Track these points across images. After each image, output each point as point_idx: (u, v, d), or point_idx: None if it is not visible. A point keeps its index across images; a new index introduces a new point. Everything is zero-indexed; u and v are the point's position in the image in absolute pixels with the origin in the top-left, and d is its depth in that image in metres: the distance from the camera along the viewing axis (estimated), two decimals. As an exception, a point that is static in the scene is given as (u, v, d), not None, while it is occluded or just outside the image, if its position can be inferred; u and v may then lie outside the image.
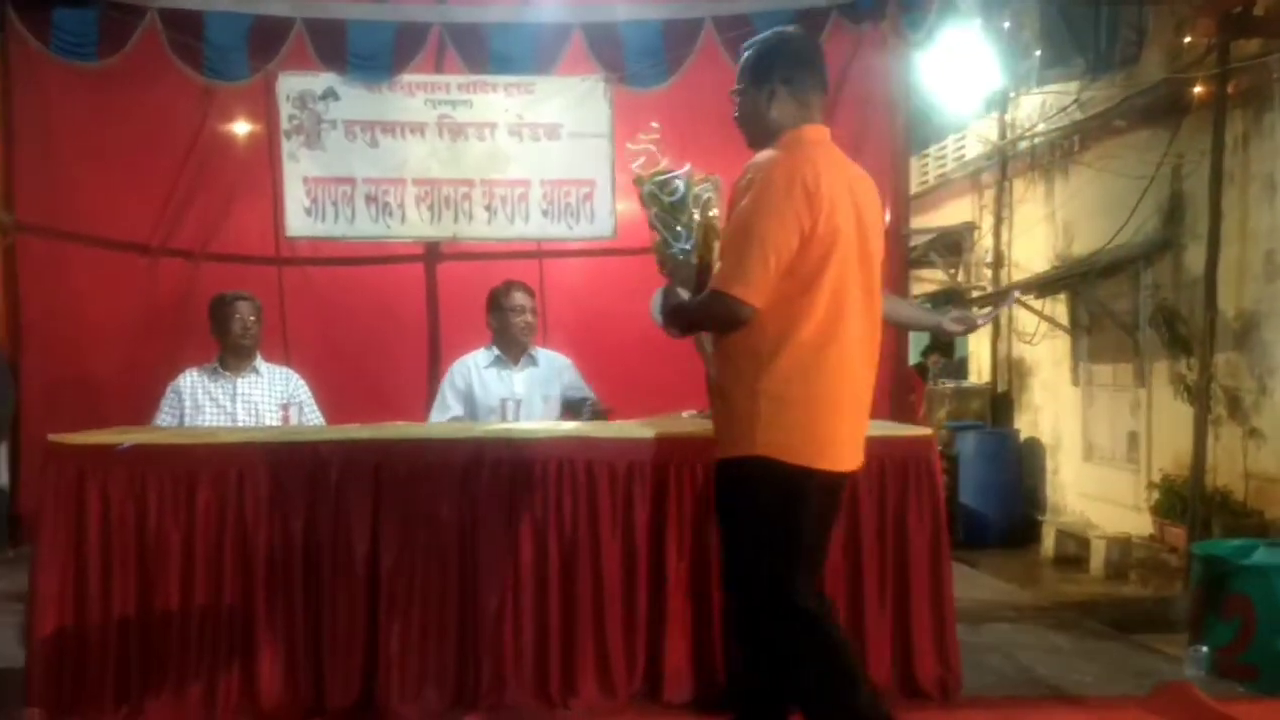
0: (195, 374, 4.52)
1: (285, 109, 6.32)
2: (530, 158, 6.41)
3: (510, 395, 4.49)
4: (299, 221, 6.36)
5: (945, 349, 12.09)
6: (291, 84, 6.32)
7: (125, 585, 3.31)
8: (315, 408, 4.63)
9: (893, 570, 3.53)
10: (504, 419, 4.40)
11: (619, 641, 3.45)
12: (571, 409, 4.50)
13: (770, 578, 2.65)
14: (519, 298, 4.57)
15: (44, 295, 6.31)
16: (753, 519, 2.67)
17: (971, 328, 3.20)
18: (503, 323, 4.55)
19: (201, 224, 6.38)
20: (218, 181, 6.40)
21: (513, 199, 6.42)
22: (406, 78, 6.23)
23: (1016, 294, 8.37)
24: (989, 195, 10.23)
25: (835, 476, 2.69)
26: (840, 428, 2.67)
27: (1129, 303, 7.97)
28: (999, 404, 9.98)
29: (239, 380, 4.49)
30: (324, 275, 6.48)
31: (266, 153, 6.36)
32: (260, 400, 4.49)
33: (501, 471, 3.45)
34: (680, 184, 2.93)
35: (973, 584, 5.16)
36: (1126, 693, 3.68)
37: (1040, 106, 9.18)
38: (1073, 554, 8.01)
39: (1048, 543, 8.40)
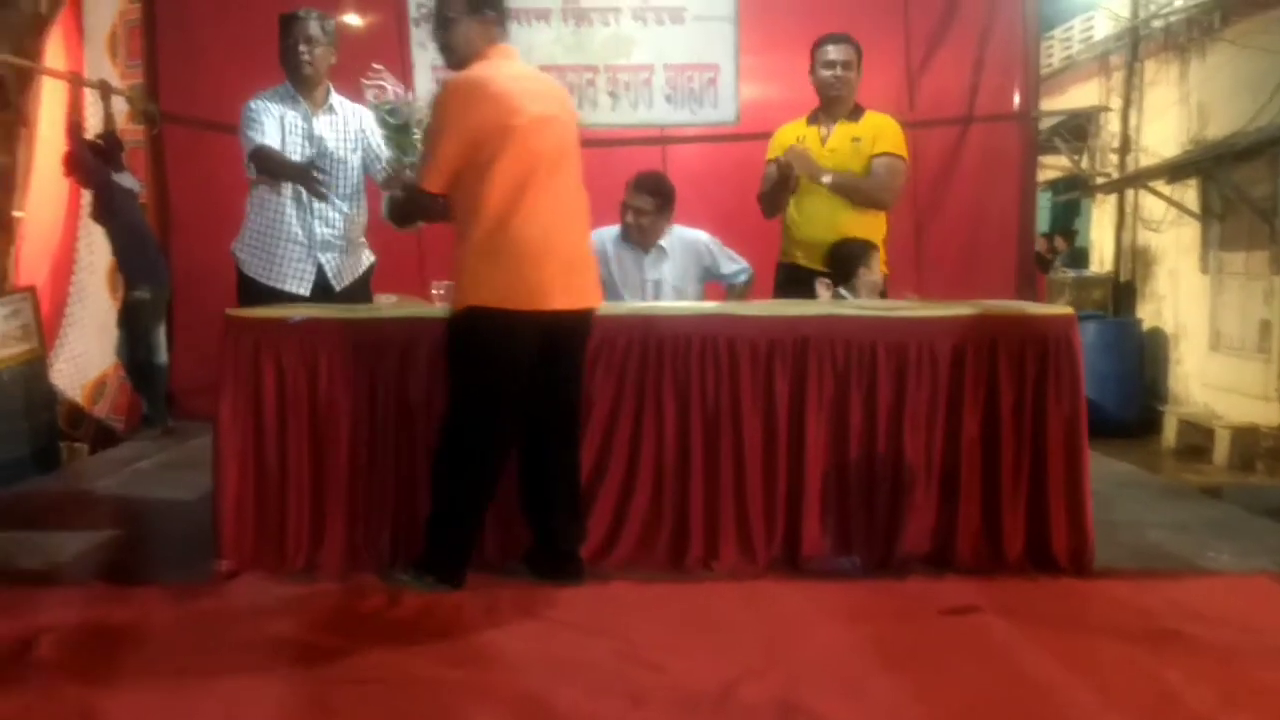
0: (272, 101, 4.31)
1: (414, -4, 6.40)
2: (654, 42, 6.41)
3: (651, 278, 4.57)
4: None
5: (1066, 234, 11.78)
6: (420, -29, 6.38)
7: (299, 447, 3.54)
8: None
9: (1030, 443, 3.59)
10: (644, 299, 4.50)
11: (759, 509, 3.60)
12: (734, 293, 4.63)
13: (467, 404, 3.32)
14: (635, 199, 4.53)
15: (189, 183, 6.55)
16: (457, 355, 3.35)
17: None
18: (624, 216, 4.58)
19: (335, 111, 6.53)
20: (349, 70, 6.52)
21: (636, 84, 6.44)
22: (532, -37, 6.26)
23: None
24: (1118, 78, 9.83)
25: (546, 315, 3.24)
26: (544, 274, 3.23)
27: (1268, 187, 7.66)
28: (1121, 293, 9.75)
29: (316, 120, 4.30)
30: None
31: (396, 41, 6.45)
32: (335, 144, 4.31)
33: (649, 347, 3.61)
34: (405, 110, 3.67)
35: (1096, 467, 5.14)
36: (1263, 568, 3.69)
37: (1178, -19, 8.76)
38: (1196, 444, 7.88)
39: (1169, 433, 8.27)
